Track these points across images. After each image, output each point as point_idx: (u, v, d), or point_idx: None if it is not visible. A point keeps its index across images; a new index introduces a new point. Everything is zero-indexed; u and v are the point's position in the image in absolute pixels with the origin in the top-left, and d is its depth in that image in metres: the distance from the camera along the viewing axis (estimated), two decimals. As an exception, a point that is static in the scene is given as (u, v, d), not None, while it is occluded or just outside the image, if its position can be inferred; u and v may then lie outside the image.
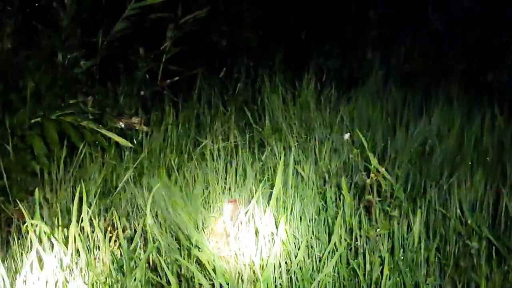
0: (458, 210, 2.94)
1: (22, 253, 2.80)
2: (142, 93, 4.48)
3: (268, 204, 2.87)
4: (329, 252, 2.63)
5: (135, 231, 3.08)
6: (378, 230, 2.69)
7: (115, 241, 2.91)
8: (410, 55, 5.18)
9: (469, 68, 4.95)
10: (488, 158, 3.54)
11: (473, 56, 5.03)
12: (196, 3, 4.94)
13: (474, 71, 4.92)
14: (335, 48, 5.18)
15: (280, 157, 3.06)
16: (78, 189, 2.85)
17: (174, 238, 2.92)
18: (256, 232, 2.82)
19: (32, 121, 3.66)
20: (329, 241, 2.68)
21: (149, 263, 2.80)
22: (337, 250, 2.58)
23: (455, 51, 5.11)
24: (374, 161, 3.04)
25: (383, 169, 3.01)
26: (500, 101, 4.21)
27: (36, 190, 2.97)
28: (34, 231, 2.74)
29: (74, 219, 2.72)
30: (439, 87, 4.61)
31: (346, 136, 3.53)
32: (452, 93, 4.46)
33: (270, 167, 3.51)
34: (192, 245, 2.76)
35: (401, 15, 5.34)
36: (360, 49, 5.22)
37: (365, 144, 3.26)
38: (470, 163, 3.47)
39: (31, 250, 2.68)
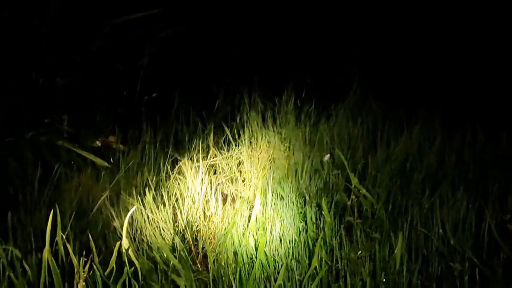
0: (441, 230, 2.90)
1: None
2: (119, 110, 4.40)
3: (247, 227, 2.81)
4: (309, 276, 2.58)
5: (111, 253, 3.01)
6: (359, 252, 2.64)
7: (91, 265, 2.83)
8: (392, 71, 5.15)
9: (450, 82, 4.92)
10: (469, 175, 3.50)
11: (453, 70, 5.00)
12: (175, 20, 4.89)
13: (455, 85, 4.88)
14: (315, 64, 5.14)
15: (259, 176, 3.00)
16: (55, 213, 2.78)
17: (151, 261, 2.85)
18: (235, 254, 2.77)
19: (6, 140, 3.58)
20: (310, 264, 2.62)
21: (125, 288, 2.73)
22: (317, 273, 2.53)
23: (435, 66, 5.08)
24: (354, 181, 3.00)
25: (364, 189, 2.96)
26: (482, 117, 4.18)
27: (9, 214, 2.91)
28: (6, 256, 2.67)
29: (47, 243, 2.64)
30: (420, 103, 4.57)
31: (326, 157, 3.48)
32: (431, 109, 4.42)
33: (249, 186, 3.46)
34: (169, 268, 2.70)
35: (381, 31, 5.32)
36: (341, 65, 5.17)
37: (346, 164, 3.21)
38: (451, 180, 3.43)
39: (3, 276, 2.61)
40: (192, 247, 3.14)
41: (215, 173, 3.68)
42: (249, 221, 2.95)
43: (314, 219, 3.02)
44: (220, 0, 5.23)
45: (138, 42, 4.75)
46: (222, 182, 3.54)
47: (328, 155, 3.47)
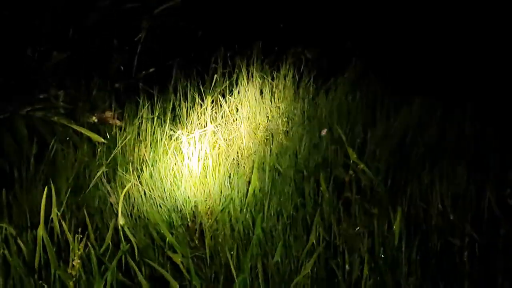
0: (440, 205, 2.86)
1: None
2: (116, 86, 4.35)
3: (245, 202, 2.78)
4: (307, 252, 2.54)
5: (107, 230, 2.99)
6: (357, 228, 2.61)
7: (86, 242, 2.80)
8: (390, 44, 5.08)
9: (451, 57, 4.86)
10: (470, 149, 3.46)
11: (454, 44, 4.94)
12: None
13: (456, 60, 4.83)
14: (314, 37, 5.07)
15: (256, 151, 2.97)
16: (51, 190, 2.75)
17: (148, 238, 2.83)
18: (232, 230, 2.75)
19: (1, 117, 3.54)
20: (307, 240, 2.59)
21: (121, 265, 2.70)
22: (315, 249, 2.50)
23: (433, 39, 5.02)
24: (353, 156, 2.96)
25: (363, 164, 2.92)
26: (483, 91, 4.14)
27: (3, 191, 2.88)
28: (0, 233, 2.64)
29: (41, 220, 2.61)
30: (420, 75, 4.52)
31: (323, 132, 3.43)
32: (432, 83, 4.37)
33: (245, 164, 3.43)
34: (166, 245, 2.68)
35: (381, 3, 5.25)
36: (340, 38, 5.11)
37: (344, 139, 3.17)
38: (451, 154, 3.39)
39: (-3, 254, 2.59)
40: (190, 223, 3.11)
41: (213, 148, 3.64)
42: (246, 196, 2.91)
43: (312, 195, 2.98)
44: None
45: (133, 16, 4.69)
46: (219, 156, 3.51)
47: (326, 129, 3.42)
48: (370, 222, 2.67)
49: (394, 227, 2.62)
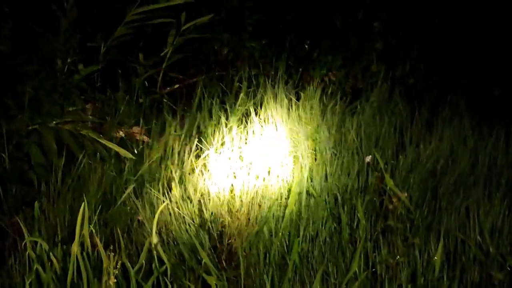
0: (478, 236, 2.82)
1: (19, 271, 2.66)
2: (140, 100, 4.33)
3: (280, 226, 2.75)
4: (347, 283, 2.50)
5: (136, 247, 2.96)
6: (397, 257, 2.57)
7: (116, 260, 2.76)
8: (416, 67, 5.06)
9: (476, 82, 4.83)
10: (502, 180, 3.43)
11: (480, 70, 4.91)
12: (199, 10, 4.81)
13: (482, 85, 4.80)
14: (339, 58, 5.05)
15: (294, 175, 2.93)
16: (79, 204, 2.72)
17: (180, 258, 2.80)
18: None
19: (30, 128, 3.51)
20: (347, 269, 2.55)
21: (153, 285, 2.67)
22: (356, 279, 2.45)
23: (461, 63, 4.99)
24: (390, 183, 2.93)
25: (404, 194, 2.89)
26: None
27: (36, 204, 2.85)
28: (33, 248, 2.61)
29: (76, 237, 2.58)
30: (446, 101, 4.48)
31: (368, 159, 3.40)
32: (461, 108, 4.34)
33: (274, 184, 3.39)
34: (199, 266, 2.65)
35: (406, 26, 5.23)
36: (365, 60, 5.09)
37: (382, 166, 3.14)
38: (484, 184, 3.36)
39: (29, 269, 2.55)
40: (218, 243, 3.08)
41: (240, 168, 3.60)
42: (282, 220, 2.87)
43: (348, 221, 2.94)
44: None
45: (161, 32, 4.68)
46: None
47: (370, 156, 3.39)
48: (409, 252, 2.63)
49: (435, 257, 2.58)
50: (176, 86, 4.75)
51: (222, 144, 3.79)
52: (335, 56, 5.06)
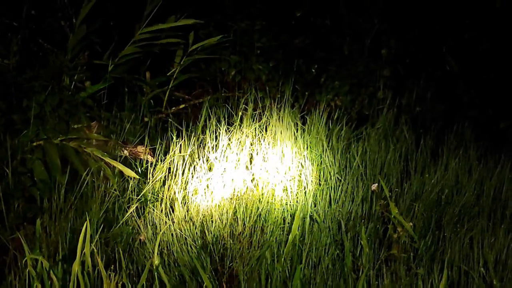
0: (482, 268, 2.80)
1: (19, 288, 2.65)
2: (146, 119, 4.32)
3: (283, 252, 2.73)
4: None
5: (137, 267, 2.94)
6: (401, 287, 2.54)
7: (117, 281, 2.74)
8: (422, 95, 5.06)
9: (482, 113, 4.83)
10: (507, 212, 3.41)
11: (487, 100, 4.90)
12: (207, 30, 4.83)
13: (487, 116, 4.79)
14: (346, 84, 5.05)
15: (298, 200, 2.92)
16: (81, 222, 2.70)
17: (180, 280, 2.78)
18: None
19: (34, 144, 3.50)
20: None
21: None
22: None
23: (468, 94, 4.99)
24: (394, 211, 2.91)
25: (410, 224, 2.87)
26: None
27: (38, 220, 2.83)
28: (33, 265, 2.59)
29: (78, 256, 2.56)
30: (452, 130, 4.47)
31: (374, 186, 3.38)
32: (466, 138, 4.33)
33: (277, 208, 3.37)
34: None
35: (414, 55, 5.23)
36: (372, 86, 5.09)
37: (387, 194, 3.12)
38: (488, 216, 3.34)
39: (29, 287, 2.54)
40: (219, 266, 3.06)
41: (243, 191, 3.59)
42: (285, 245, 2.85)
43: (351, 248, 2.92)
44: (249, 15, 5.15)
45: (168, 51, 4.68)
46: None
47: (376, 184, 3.37)
48: (412, 281, 2.61)
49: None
50: (182, 106, 4.75)
51: (226, 167, 3.77)
52: (342, 81, 5.05)
